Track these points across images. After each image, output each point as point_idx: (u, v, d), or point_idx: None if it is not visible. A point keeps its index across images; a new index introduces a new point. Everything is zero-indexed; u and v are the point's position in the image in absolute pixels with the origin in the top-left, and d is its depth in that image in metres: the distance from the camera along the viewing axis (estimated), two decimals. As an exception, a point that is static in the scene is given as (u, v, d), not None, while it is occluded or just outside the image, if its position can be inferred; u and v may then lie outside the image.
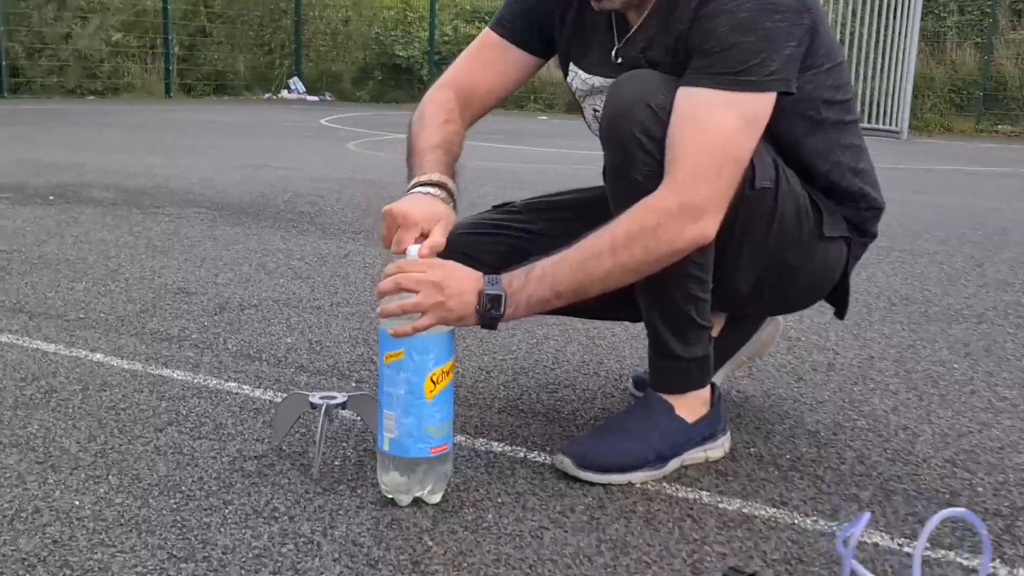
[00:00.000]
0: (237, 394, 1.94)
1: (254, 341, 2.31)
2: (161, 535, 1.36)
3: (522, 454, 1.69)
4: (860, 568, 1.20)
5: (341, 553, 1.32)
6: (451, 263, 1.47)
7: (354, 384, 2.03)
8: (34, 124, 8.90)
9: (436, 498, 1.49)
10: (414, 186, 1.57)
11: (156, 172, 5.58)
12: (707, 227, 1.46)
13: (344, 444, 1.70)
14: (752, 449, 1.73)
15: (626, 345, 2.36)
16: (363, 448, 1.69)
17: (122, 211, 4.20)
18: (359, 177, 5.65)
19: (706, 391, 1.67)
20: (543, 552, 1.34)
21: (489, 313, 1.45)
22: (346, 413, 1.81)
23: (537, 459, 1.67)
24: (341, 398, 1.61)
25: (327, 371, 2.11)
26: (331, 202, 4.62)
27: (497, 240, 1.78)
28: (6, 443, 1.66)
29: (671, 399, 1.64)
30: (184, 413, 1.83)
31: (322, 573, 1.27)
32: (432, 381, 1.44)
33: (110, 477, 1.54)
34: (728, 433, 1.71)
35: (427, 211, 1.50)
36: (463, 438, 1.74)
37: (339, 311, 2.62)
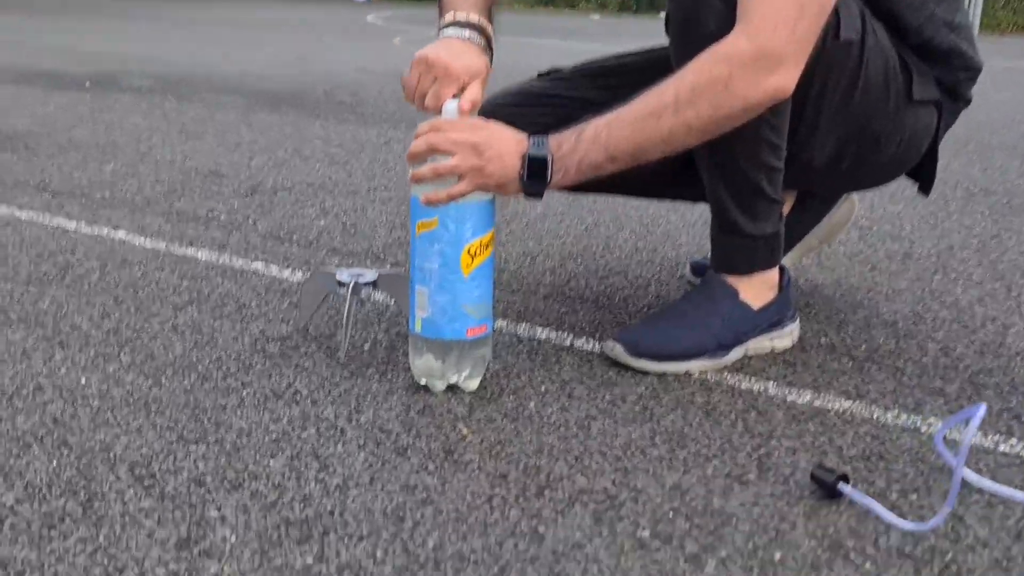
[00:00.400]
0: (263, 275, 1.81)
1: (285, 223, 2.17)
2: (172, 416, 1.24)
3: (568, 341, 1.54)
4: (971, 473, 1.04)
5: (367, 439, 1.20)
6: (492, 123, 1.31)
7: (389, 266, 1.89)
8: (80, 13, 8.76)
9: (473, 384, 1.35)
10: (447, 26, 1.39)
11: (196, 62, 5.43)
12: (785, 80, 1.27)
13: (374, 327, 1.56)
14: (823, 339, 1.57)
15: (682, 232, 2.19)
16: (395, 331, 1.55)
17: (158, 98, 4.06)
18: (403, 70, 5.45)
19: (774, 273, 1.50)
20: (590, 443, 1.20)
21: (534, 178, 1.29)
22: (377, 294, 1.67)
23: (584, 346, 1.52)
24: (371, 276, 1.47)
25: (360, 254, 1.97)
26: (372, 93, 4.44)
27: (543, 111, 1.60)
28: (14, 319, 1.55)
29: (735, 282, 1.48)
30: (206, 292, 1.70)
31: (345, 459, 1.14)
32: (469, 254, 1.29)
33: (121, 355, 1.42)
34: (797, 321, 1.55)
35: (466, 63, 1.34)
36: (504, 323, 1.60)
37: (376, 196, 2.47)
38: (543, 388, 1.37)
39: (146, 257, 1.89)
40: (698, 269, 1.83)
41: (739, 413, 1.30)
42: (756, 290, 1.49)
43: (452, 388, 1.34)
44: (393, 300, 1.59)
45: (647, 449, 1.20)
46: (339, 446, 1.18)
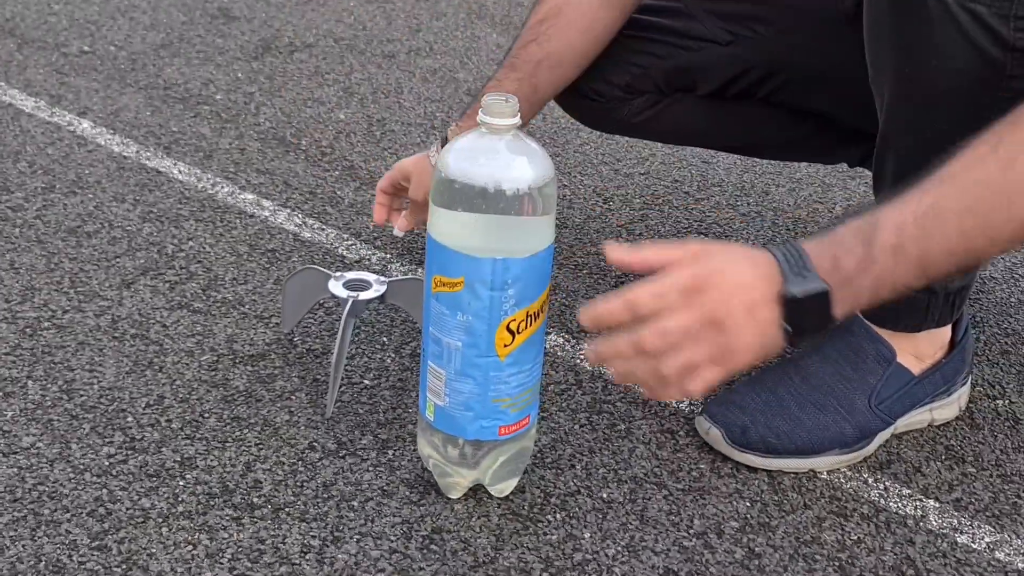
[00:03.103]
0: (252, 217, 1.38)
1: (295, 113, 1.71)
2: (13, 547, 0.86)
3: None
4: None
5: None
6: (706, 251, 0.78)
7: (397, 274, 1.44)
8: None
9: (506, 489, 0.95)
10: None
11: None
12: None
13: (382, 346, 1.15)
14: (1002, 403, 1.12)
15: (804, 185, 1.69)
16: (408, 351, 1.13)
17: None
18: None
19: (948, 328, 1.05)
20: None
21: (806, 328, 0.77)
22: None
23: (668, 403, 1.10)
24: (376, 289, 1.04)
25: (383, 171, 1.52)
26: None
27: (644, 50, 1.13)
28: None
29: (892, 338, 1.03)
30: (169, 251, 1.28)
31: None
32: (509, 331, 0.85)
33: (18, 378, 1.03)
34: (969, 381, 1.11)
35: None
36: (551, 338, 1.17)
37: (418, 63, 1.97)
38: (604, 495, 0.96)
39: (106, 172, 1.46)
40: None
41: (878, 542, 0.89)
42: (919, 349, 1.04)
43: (477, 490, 0.94)
44: (408, 311, 1.16)
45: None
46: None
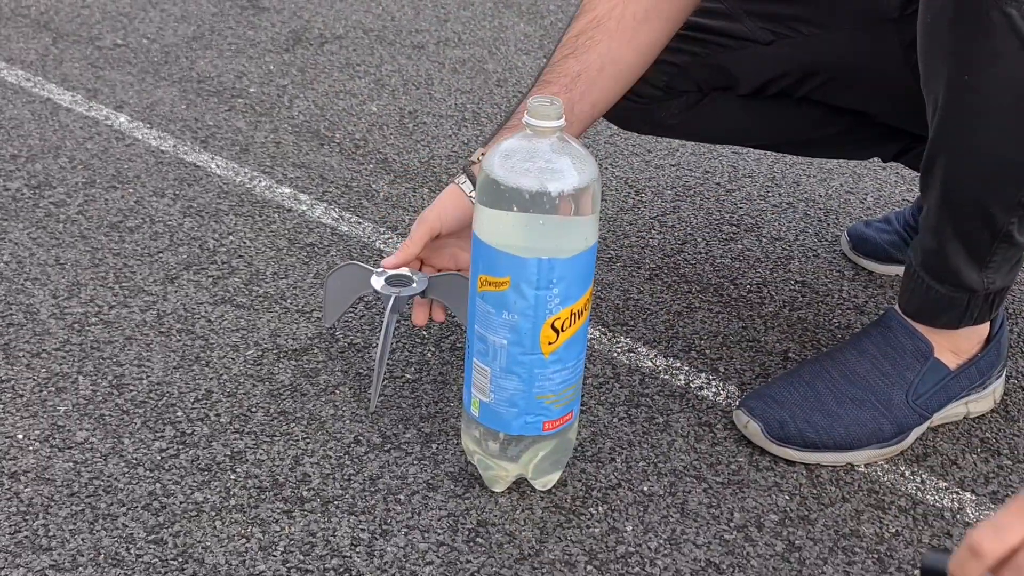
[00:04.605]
0: (291, 211, 1.40)
1: (328, 106, 1.72)
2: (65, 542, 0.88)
3: (683, 379, 1.13)
4: None
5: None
6: None
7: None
8: None
9: (550, 481, 0.97)
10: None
11: None
12: None
13: (423, 341, 1.16)
14: (1037, 400, 1.14)
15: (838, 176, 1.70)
16: (448, 346, 1.15)
17: None
18: None
19: (987, 324, 1.06)
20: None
21: None
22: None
23: (705, 392, 1.11)
24: (417, 285, 1.06)
25: (414, 174, 1.53)
26: None
27: (679, 50, 1.12)
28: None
29: (930, 333, 1.04)
30: (210, 245, 1.30)
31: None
32: (554, 328, 0.87)
33: (66, 380, 1.06)
34: (1004, 374, 1.12)
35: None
36: (592, 334, 1.19)
37: (447, 54, 1.98)
38: (645, 489, 0.97)
39: (145, 167, 1.48)
40: (863, 243, 1.36)
41: (919, 550, 0.90)
42: (957, 345, 1.05)
43: (520, 483, 0.96)
44: (448, 307, 1.18)
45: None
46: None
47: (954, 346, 1.05)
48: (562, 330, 0.87)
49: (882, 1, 1.08)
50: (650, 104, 1.16)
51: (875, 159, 1.61)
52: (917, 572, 0.91)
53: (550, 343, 0.87)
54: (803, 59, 1.14)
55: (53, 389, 1.04)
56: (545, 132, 0.84)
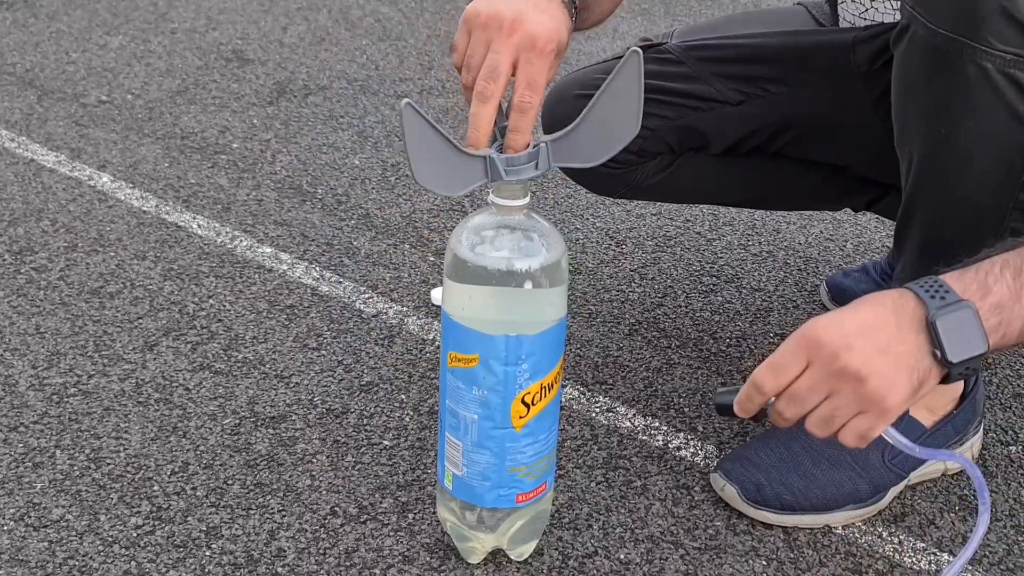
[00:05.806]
0: (271, 271, 1.41)
1: (309, 160, 1.73)
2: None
3: (660, 440, 1.13)
4: None
5: None
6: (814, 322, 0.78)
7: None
8: None
9: (525, 551, 0.96)
10: None
11: None
12: None
13: (403, 399, 1.16)
14: (1016, 448, 1.13)
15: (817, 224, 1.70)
16: (427, 409, 1.15)
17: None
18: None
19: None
20: None
21: (957, 350, 0.75)
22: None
23: (683, 452, 1.11)
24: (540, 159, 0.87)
25: (395, 230, 1.54)
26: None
27: (662, 118, 1.13)
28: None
29: (905, 392, 1.04)
30: (190, 309, 1.31)
31: None
32: (524, 403, 0.87)
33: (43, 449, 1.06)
34: (981, 429, 1.12)
35: (554, 27, 0.86)
36: (567, 391, 1.19)
37: (430, 102, 1.99)
38: (622, 556, 0.97)
39: (127, 229, 1.49)
40: (842, 294, 1.37)
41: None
42: (932, 401, 1.05)
43: (496, 555, 0.96)
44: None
45: None
46: None
47: (929, 404, 1.05)
48: (533, 404, 0.87)
49: (851, 57, 1.09)
50: (625, 170, 1.17)
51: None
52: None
53: (521, 417, 0.87)
54: (773, 117, 1.15)
55: (30, 464, 1.04)
56: (511, 211, 0.85)
